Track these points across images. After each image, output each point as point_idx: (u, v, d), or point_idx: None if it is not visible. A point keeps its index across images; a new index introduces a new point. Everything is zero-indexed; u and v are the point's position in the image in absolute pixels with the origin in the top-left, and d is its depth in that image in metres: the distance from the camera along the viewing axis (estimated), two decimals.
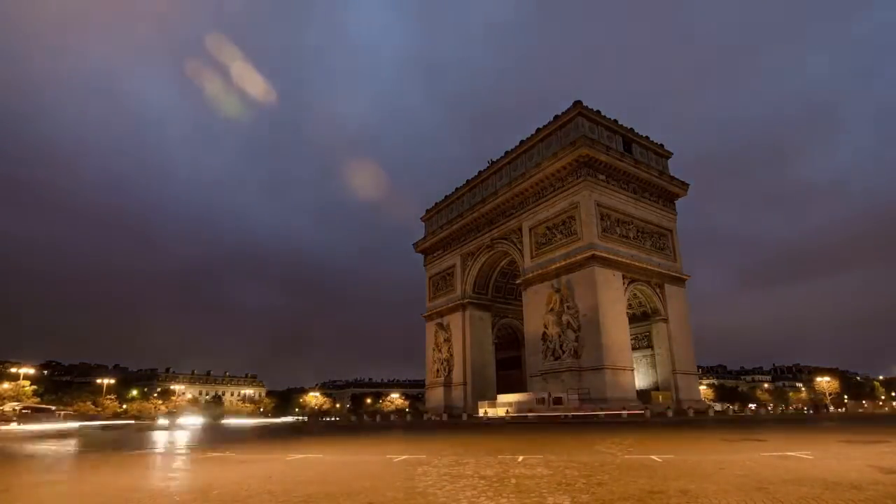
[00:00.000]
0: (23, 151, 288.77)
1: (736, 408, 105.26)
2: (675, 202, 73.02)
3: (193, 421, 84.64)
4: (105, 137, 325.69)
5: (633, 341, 60.44)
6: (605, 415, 48.93)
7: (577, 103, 65.68)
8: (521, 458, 12.85)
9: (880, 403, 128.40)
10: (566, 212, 64.15)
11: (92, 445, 25.05)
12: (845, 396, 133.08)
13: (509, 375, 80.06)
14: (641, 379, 61.72)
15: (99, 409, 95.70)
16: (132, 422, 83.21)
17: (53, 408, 73.69)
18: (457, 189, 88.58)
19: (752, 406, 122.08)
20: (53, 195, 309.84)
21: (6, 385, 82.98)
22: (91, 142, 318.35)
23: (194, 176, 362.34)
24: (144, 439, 30.06)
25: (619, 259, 61.53)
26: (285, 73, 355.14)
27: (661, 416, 51.81)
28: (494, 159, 79.50)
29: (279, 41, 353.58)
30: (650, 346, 65.64)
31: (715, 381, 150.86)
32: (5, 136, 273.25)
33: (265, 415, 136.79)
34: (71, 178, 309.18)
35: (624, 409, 50.48)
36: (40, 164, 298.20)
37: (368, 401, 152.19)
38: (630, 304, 62.87)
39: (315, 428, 49.33)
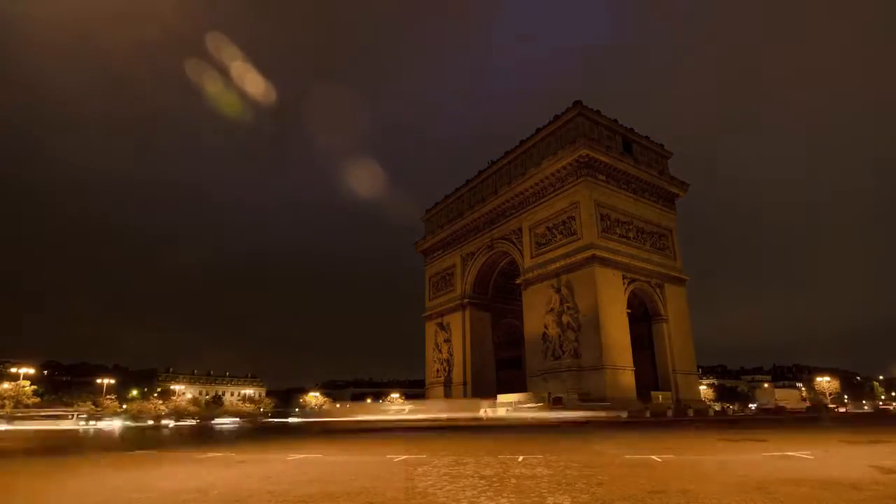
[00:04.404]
0: (22, 151, 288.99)
1: (735, 407, 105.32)
2: (675, 202, 73.03)
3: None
4: (109, 141, 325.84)
5: (632, 341, 60.38)
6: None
7: (577, 103, 65.64)
8: (521, 458, 12.84)
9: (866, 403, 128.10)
10: (566, 211, 64.13)
11: None
12: (845, 396, 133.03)
13: (509, 375, 79.98)
14: (641, 379, 61.62)
15: (99, 408, 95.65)
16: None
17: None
18: (457, 189, 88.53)
19: (752, 406, 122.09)
20: (53, 196, 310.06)
21: (6, 385, 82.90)
22: (92, 145, 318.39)
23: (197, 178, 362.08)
24: None
25: (619, 259, 61.50)
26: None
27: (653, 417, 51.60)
28: (495, 159, 79.50)
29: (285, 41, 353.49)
30: (650, 346, 65.58)
31: (715, 381, 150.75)
32: (7, 139, 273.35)
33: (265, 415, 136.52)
34: (70, 179, 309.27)
35: (625, 408, 50.38)
36: (39, 164, 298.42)
37: (369, 401, 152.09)
38: (630, 304, 62.85)
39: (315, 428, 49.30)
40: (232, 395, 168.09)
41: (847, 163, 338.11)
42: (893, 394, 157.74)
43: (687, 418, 51.44)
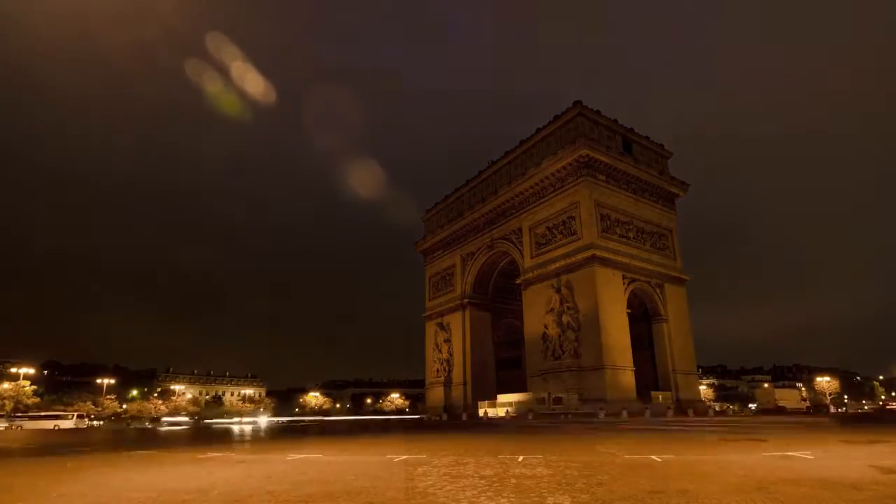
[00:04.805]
0: (22, 151, 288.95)
1: (736, 408, 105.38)
2: (675, 202, 73.01)
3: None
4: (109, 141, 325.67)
5: (633, 341, 60.39)
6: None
7: (577, 103, 65.65)
8: (521, 458, 12.83)
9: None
10: (566, 211, 64.13)
11: None
12: (845, 396, 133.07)
13: (509, 375, 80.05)
14: (641, 379, 61.77)
15: (99, 408, 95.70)
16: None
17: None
18: (457, 189, 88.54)
19: (753, 406, 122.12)
20: (52, 196, 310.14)
21: (6, 385, 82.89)
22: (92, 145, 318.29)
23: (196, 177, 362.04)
24: None
25: (619, 259, 61.49)
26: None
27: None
28: (495, 159, 79.50)
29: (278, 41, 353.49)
30: (650, 346, 65.58)
31: (715, 381, 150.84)
32: (8, 139, 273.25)
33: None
34: (70, 180, 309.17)
35: (624, 409, 50.34)
36: (39, 163, 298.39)
37: (369, 401, 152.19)
38: (630, 304, 62.89)
39: (313, 428, 49.34)
40: (232, 395, 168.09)
41: (847, 163, 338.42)
42: (893, 394, 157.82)
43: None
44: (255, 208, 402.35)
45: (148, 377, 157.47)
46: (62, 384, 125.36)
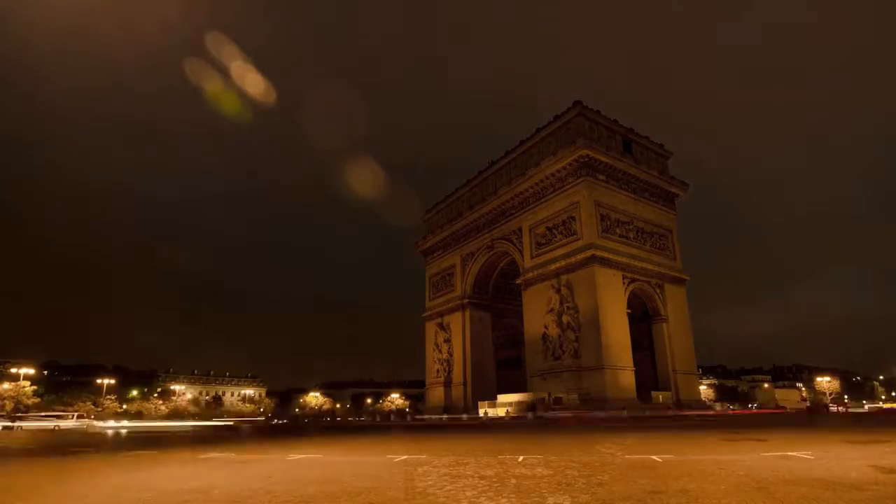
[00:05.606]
0: (21, 151, 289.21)
1: (736, 407, 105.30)
2: (675, 202, 73.01)
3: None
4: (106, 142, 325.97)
5: (633, 341, 60.37)
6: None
7: (577, 103, 65.61)
8: (521, 458, 12.84)
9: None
10: (566, 211, 64.11)
11: None
12: (845, 396, 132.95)
13: (509, 375, 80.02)
14: (641, 379, 61.78)
15: (99, 409, 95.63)
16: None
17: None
18: (457, 189, 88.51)
19: (752, 406, 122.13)
20: (54, 197, 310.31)
21: (6, 385, 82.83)
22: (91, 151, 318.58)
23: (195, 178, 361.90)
24: None
25: (619, 259, 61.48)
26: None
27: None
28: (495, 159, 79.47)
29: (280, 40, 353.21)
30: (650, 346, 65.56)
31: (715, 381, 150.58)
32: (7, 140, 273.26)
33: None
34: (73, 180, 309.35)
35: (624, 409, 50.30)
36: (38, 163, 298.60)
37: (369, 401, 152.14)
38: (630, 304, 62.86)
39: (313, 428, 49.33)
40: (232, 395, 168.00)
41: (847, 163, 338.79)
42: (893, 394, 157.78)
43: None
44: (254, 207, 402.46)
45: (148, 377, 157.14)
46: (62, 384, 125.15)
